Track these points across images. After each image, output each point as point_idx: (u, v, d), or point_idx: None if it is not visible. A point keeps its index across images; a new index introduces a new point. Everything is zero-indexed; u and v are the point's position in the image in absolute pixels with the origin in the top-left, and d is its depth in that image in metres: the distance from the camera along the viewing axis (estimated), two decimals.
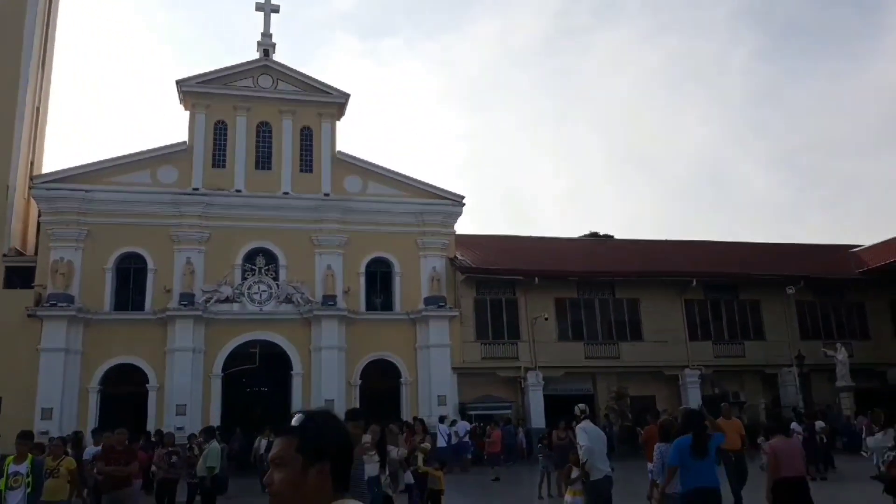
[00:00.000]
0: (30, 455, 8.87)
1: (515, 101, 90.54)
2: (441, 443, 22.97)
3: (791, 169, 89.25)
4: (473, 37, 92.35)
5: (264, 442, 19.68)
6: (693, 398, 29.36)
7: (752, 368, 31.24)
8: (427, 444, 13.25)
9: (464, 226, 30.71)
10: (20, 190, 27.47)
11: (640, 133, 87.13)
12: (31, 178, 27.16)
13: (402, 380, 27.64)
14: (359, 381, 27.11)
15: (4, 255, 26.02)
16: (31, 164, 29.16)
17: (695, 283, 30.70)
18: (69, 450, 12.88)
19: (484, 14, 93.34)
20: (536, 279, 28.77)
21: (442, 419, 24.48)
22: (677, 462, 7.72)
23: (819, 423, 17.60)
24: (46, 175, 27.04)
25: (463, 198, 29.81)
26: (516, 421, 27.46)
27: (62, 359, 24.24)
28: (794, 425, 21.20)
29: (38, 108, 30.29)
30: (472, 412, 26.90)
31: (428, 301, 28.07)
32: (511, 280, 29.15)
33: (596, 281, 30.34)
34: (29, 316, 24.37)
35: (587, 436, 9.92)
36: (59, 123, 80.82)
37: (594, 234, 39.02)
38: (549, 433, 17.16)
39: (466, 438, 23.89)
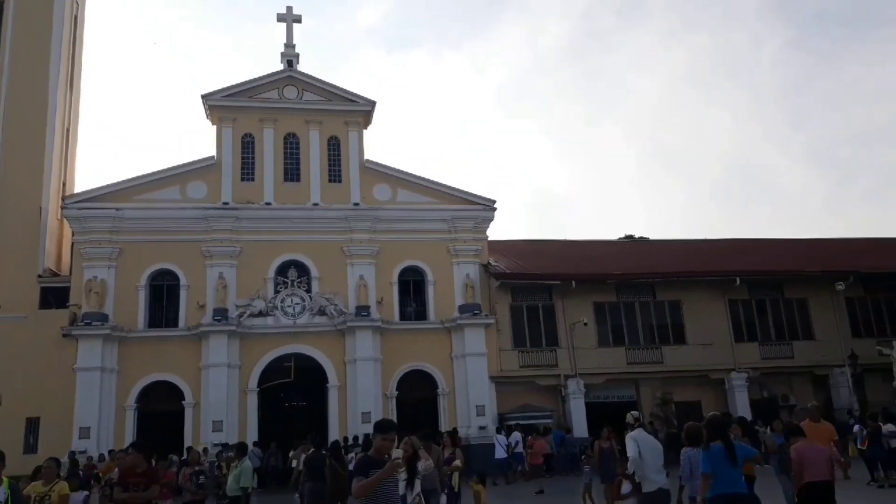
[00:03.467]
0: (5, 479, 7.62)
1: (543, 106, 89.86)
2: (500, 454, 22.50)
3: (829, 162, 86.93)
4: (498, 44, 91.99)
5: (303, 457, 19.08)
6: (741, 402, 28.28)
7: (802, 370, 29.95)
8: (459, 463, 12.32)
9: (495, 232, 30.12)
10: (53, 211, 27.62)
11: (671, 132, 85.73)
12: (63, 199, 27.26)
13: (439, 390, 27.04)
14: (395, 393, 26.57)
15: (39, 276, 26.13)
16: (63, 184, 29.37)
17: (738, 282, 29.59)
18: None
19: (508, 21, 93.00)
20: (574, 283, 27.96)
21: (499, 430, 24.06)
22: (710, 469, 7.50)
23: (890, 427, 16.42)
24: (78, 195, 27.11)
25: (494, 202, 29.20)
26: (557, 428, 26.57)
27: (98, 378, 24.15)
28: (856, 428, 20.18)
29: (67, 130, 30.53)
30: (512, 422, 26.14)
31: (462, 309, 27.46)
32: (547, 285, 28.40)
33: (635, 283, 29.42)
34: (64, 336, 24.38)
35: (637, 445, 9.20)
36: (88, 143, 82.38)
37: (629, 237, 38.07)
38: (593, 442, 16.39)
39: (519, 448, 23.20)
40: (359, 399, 25.75)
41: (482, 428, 26.02)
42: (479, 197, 29.20)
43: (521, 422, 26.25)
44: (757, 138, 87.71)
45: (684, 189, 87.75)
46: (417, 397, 26.88)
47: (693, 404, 27.99)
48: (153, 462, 10.18)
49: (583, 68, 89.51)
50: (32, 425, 23.95)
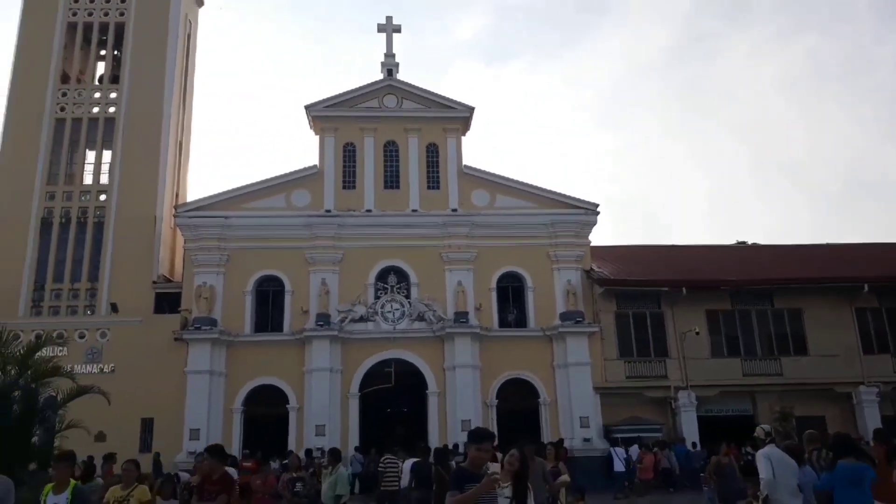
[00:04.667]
0: (72, 482, 7.42)
1: (646, 112, 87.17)
2: (619, 467, 21.75)
3: None
4: (598, 52, 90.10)
5: (409, 464, 18.67)
6: (870, 419, 25.91)
7: None
8: (566, 477, 11.45)
9: (597, 238, 28.94)
10: (167, 220, 28.90)
11: (785, 136, 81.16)
12: (176, 208, 28.47)
13: (541, 400, 26.23)
14: (495, 401, 25.99)
15: (154, 282, 27.35)
16: (176, 195, 30.72)
17: (867, 288, 27.20)
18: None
19: (607, 29, 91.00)
20: (684, 290, 26.50)
21: (616, 442, 23.34)
22: (829, 487, 7.07)
23: None
24: (189, 204, 28.26)
25: (597, 206, 28.17)
26: (674, 441, 25.12)
27: (207, 380, 24.94)
28: None
29: (180, 143, 31.97)
30: (618, 435, 24.97)
31: (564, 316, 26.58)
32: (655, 292, 27.08)
33: (752, 290, 27.59)
34: (176, 339, 25.36)
35: (770, 464, 8.25)
36: (199, 155, 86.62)
37: (741, 244, 35.84)
38: (710, 458, 15.22)
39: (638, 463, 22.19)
40: (458, 407, 25.35)
41: (586, 440, 25.02)
42: (581, 200, 28.27)
43: (629, 435, 25.03)
44: (878, 140, 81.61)
45: (802, 193, 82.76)
46: (518, 407, 26.17)
47: (815, 420, 25.79)
48: (252, 464, 9.90)
49: (686, 74, 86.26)
50: (147, 425, 24.98)
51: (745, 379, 26.90)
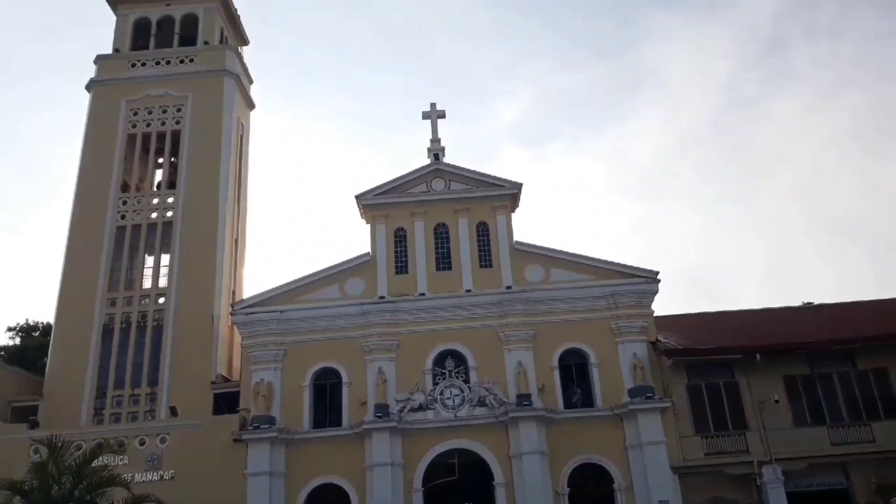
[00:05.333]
0: None
1: (694, 181, 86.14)
2: None
3: None
4: (640, 127, 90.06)
5: None
6: None
7: None
8: None
9: (659, 308, 27.82)
10: (224, 318, 29.15)
11: (840, 193, 78.85)
12: (232, 306, 28.69)
13: (616, 485, 24.64)
14: (567, 489, 24.54)
15: (213, 383, 27.33)
16: (233, 292, 31.09)
17: None
18: None
19: (647, 103, 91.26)
20: (758, 356, 24.99)
21: None
22: None
23: None
24: (245, 301, 28.46)
25: (657, 273, 27.20)
26: None
27: (267, 483, 24.27)
28: None
29: (236, 241, 32.63)
30: None
31: (633, 392, 25.29)
32: (727, 360, 25.62)
33: (831, 351, 25.86)
34: (235, 440, 24.94)
35: None
36: (254, 250, 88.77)
37: (808, 304, 33.92)
38: None
39: None
40: (528, 497, 24.04)
41: None
42: (639, 269, 27.39)
43: None
44: None
45: (865, 249, 79.44)
46: (593, 494, 24.65)
47: None
48: None
49: (730, 140, 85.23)
50: None
51: (834, 449, 24.88)
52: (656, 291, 27.25)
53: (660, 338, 26.57)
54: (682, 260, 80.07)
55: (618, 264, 27.60)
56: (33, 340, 36.63)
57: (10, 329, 38.93)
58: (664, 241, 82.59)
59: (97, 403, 27.58)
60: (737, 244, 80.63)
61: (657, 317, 27.62)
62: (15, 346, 37.71)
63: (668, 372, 25.76)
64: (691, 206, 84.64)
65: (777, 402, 24.74)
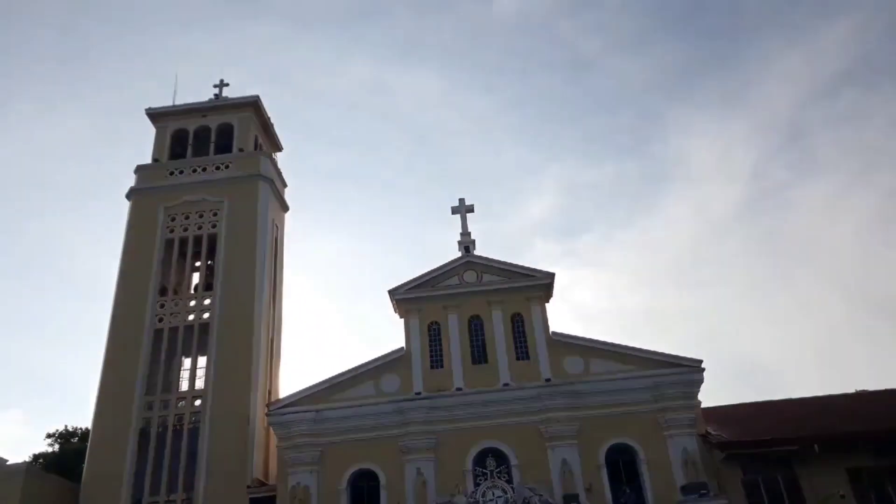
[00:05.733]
0: None
1: (725, 270, 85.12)
2: None
3: None
4: (670, 217, 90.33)
5: None
6: None
7: None
8: None
9: (706, 400, 26.68)
10: (259, 419, 28.71)
11: (880, 274, 77.12)
12: (268, 406, 28.33)
13: None
14: None
15: (248, 487, 26.62)
16: (269, 392, 30.78)
17: None
18: None
19: (674, 195, 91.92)
20: (816, 447, 23.63)
21: None
22: None
23: None
24: (281, 401, 28.07)
25: (701, 362, 26.27)
26: None
27: None
28: None
29: (272, 340, 32.60)
30: None
31: (686, 490, 23.94)
32: (785, 453, 24.18)
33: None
34: None
35: None
36: (290, 349, 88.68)
37: (863, 392, 32.25)
38: None
39: None
40: None
41: None
42: (683, 358, 26.49)
43: None
44: None
45: None
46: None
47: None
48: None
49: (762, 228, 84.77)
50: None
51: None
52: (702, 381, 26.23)
53: (710, 430, 25.36)
54: (724, 349, 77.98)
55: (659, 353, 26.77)
56: (71, 446, 36.44)
57: (49, 436, 38.92)
58: (704, 331, 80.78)
59: None
60: (780, 331, 78.55)
61: (705, 408, 26.48)
62: (54, 453, 37.50)
63: (721, 467, 24.42)
64: (729, 294, 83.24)
65: (843, 497, 23.17)
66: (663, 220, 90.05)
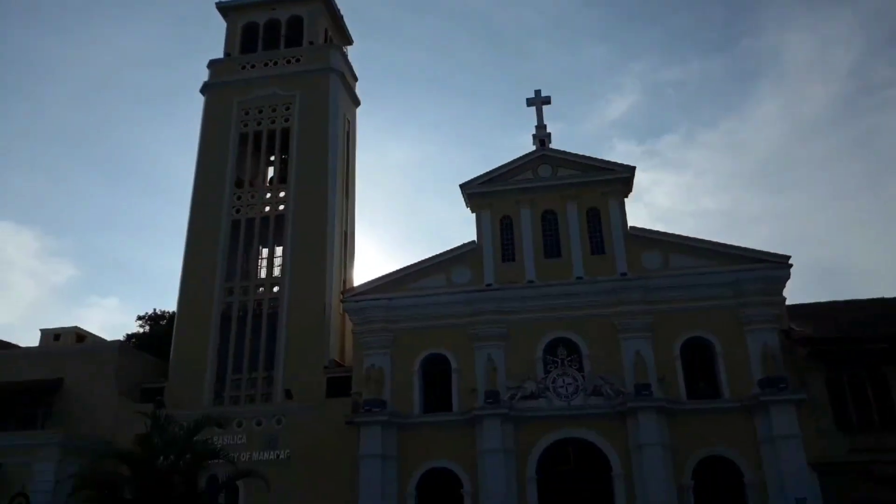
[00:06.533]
0: None
1: (813, 173, 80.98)
2: None
3: None
4: (758, 118, 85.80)
5: None
6: None
7: None
8: None
9: (790, 298, 25.72)
10: (335, 306, 29.44)
11: None
12: (343, 294, 28.93)
13: (746, 480, 22.88)
14: (691, 482, 23.03)
15: (325, 367, 27.58)
16: (343, 281, 31.41)
17: None
18: None
19: (765, 92, 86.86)
20: None
21: None
22: None
23: None
24: (355, 289, 28.64)
25: (788, 258, 25.19)
26: None
27: (380, 465, 24.24)
28: None
29: (345, 232, 33.00)
30: None
31: (763, 383, 23.46)
32: (874, 351, 23.23)
33: None
34: (347, 423, 25.02)
35: None
36: (363, 240, 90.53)
37: None
38: None
39: None
40: (649, 491, 22.72)
41: None
42: (768, 254, 25.45)
43: None
44: None
45: None
46: (718, 488, 22.96)
47: None
48: None
49: (857, 129, 79.57)
50: None
51: None
52: (787, 277, 25.22)
53: (793, 326, 24.56)
54: (808, 253, 75.36)
55: (744, 249, 25.74)
56: (160, 328, 38.59)
57: (139, 318, 41.48)
58: (789, 235, 78.04)
59: (217, 386, 28.47)
60: (868, 235, 75.00)
61: (789, 305, 25.58)
62: (145, 333, 39.92)
63: (803, 363, 23.72)
64: (816, 197, 79.70)
65: None
66: (750, 121, 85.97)
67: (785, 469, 22.28)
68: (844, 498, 22.06)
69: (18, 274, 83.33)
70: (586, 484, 23.94)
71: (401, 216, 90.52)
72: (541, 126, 30.09)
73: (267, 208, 32.39)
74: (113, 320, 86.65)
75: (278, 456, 25.14)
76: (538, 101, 30.79)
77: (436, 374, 26.46)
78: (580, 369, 25.22)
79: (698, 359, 25.18)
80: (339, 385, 26.92)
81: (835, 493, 22.09)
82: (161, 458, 13.38)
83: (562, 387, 25.04)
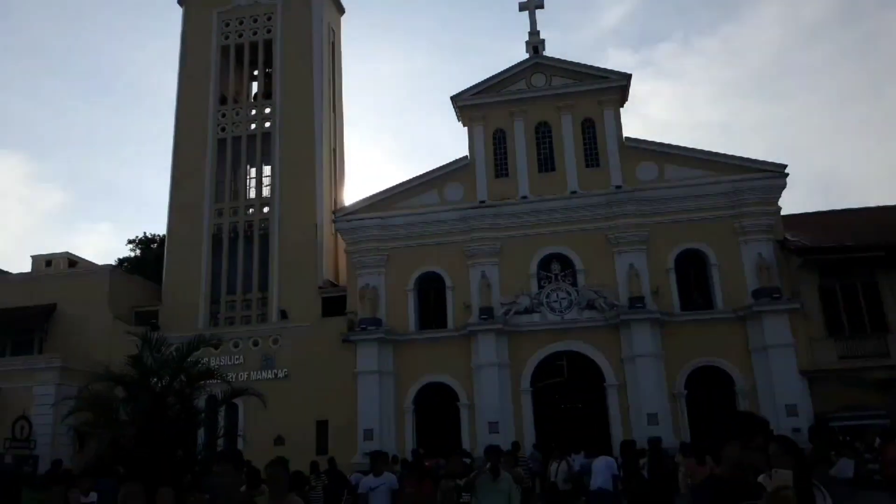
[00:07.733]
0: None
1: (812, 80, 79.12)
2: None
3: None
4: (755, 23, 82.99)
5: (555, 466, 16.48)
6: None
7: None
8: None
9: (786, 208, 25.49)
10: (327, 226, 29.08)
11: None
12: (334, 213, 28.54)
13: (737, 388, 23.33)
14: (684, 392, 23.49)
15: (320, 288, 27.53)
16: (334, 200, 30.90)
17: None
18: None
19: None
20: None
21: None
22: None
23: None
24: (346, 209, 28.25)
25: (785, 167, 24.81)
26: None
27: (377, 380, 24.57)
28: None
29: (334, 150, 32.23)
30: (834, 423, 21.54)
31: (757, 293, 23.52)
32: (867, 259, 23.22)
33: None
34: (344, 341, 25.22)
35: None
36: (353, 158, 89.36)
37: None
38: None
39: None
40: (642, 400, 23.16)
41: (796, 430, 21.76)
42: (765, 163, 25.04)
43: (847, 423, 21.51)
44: None
45: None
46: (710, 396, 23.42)
47: None
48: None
49: (858, 32, 77.13)
50: (322, 428, 25.01)
51: None
52: (783, 186, 24.91)
53: (788, 236, 24.42)
54: (805, 162, 74.84)
55: (741, 158, 25.31)
56: (152, 252, 38.26)
57: (130, 242, 40.86)
58: (784, 144, 77.24)
59: (212, 308, 28.48)
60: (865, 144, 74.31)
61: (783, 216, 25.37)
62: (136, 257, 39.57)
63: (797, 273, 23.73)
64: (814, 105, 78.37)
65: None
66: (748, 27, 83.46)
67: (776, 377, 22.64)
68: (834, 404, 22.55)
69: (7, 200, 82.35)
70: (580, 394, 24.43)
71: (391, 132, 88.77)
72: (534, 32, 28.93)
73: (253, 125, 31.45)
74: (107, 246, 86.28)
75: (276, 375, 25.47)
76: (531, 4, 29.47)
77: (430, 292, 26.48)
78: (574, 284, 25.22)
79: (693, 270, 25.18)
80: (334, 304, 26.95)
81: (823, 398, 22.55)
82: (155, 378, 13.36)
83: (556, 301, 25.11)
